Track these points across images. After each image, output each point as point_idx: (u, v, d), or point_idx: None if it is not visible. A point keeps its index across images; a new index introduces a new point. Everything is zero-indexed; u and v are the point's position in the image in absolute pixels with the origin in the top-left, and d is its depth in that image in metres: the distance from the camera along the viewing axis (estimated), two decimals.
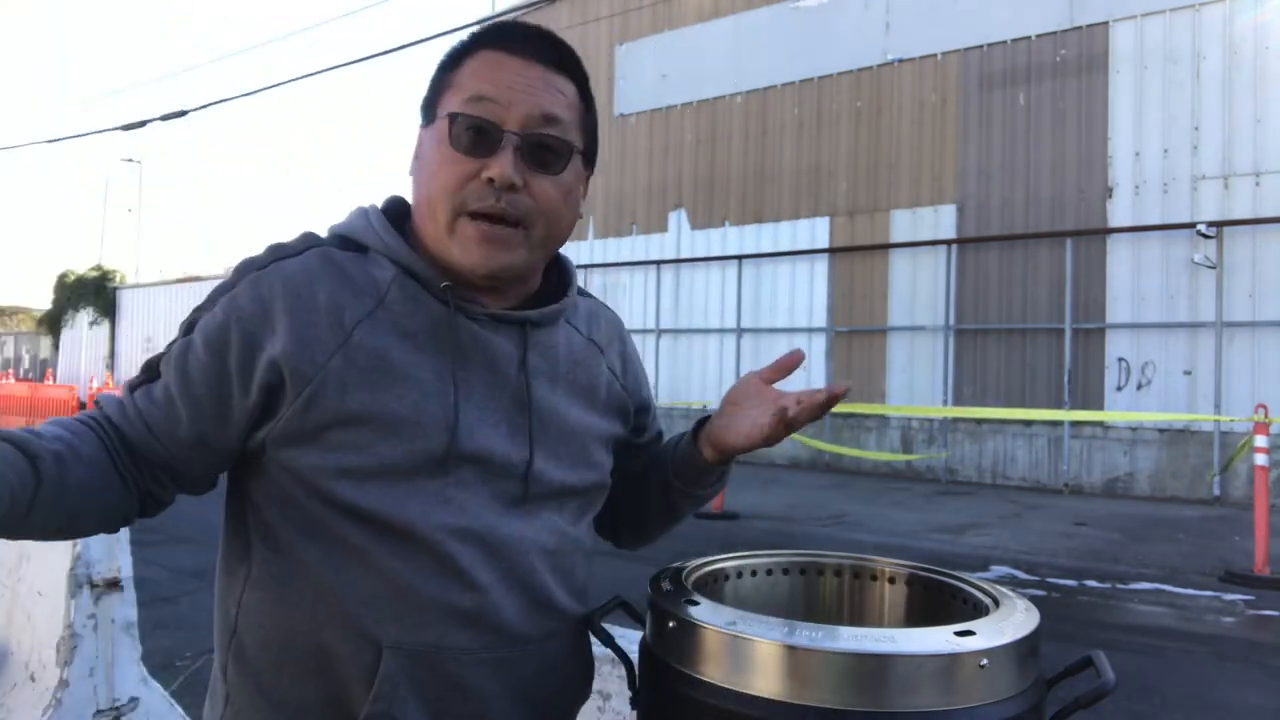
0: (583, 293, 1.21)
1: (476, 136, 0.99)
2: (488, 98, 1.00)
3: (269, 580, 1.00)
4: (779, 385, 1.13)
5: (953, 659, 0.86)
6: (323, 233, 1.09)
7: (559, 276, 1.17)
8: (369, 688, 0.96)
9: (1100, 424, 10.39)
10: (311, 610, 0.97)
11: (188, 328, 1.01)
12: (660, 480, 1.20)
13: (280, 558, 0.99)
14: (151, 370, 1.02)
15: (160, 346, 1.05)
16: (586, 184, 1.13)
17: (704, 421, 1.16)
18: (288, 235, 1.11)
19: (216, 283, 1.06)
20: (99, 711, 2.53)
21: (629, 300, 14.74)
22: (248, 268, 1.01)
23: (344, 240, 1.06)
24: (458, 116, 1.00)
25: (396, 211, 1.10)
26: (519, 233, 1.01)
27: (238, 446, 1.01)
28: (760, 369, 1.13)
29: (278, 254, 1.02)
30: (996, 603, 1.03)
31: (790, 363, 1.12)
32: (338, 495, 0.96)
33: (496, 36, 1.04)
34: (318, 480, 0.96)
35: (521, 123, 1.00)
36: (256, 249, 1.07)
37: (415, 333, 1.01)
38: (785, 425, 1.03)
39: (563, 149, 1.02)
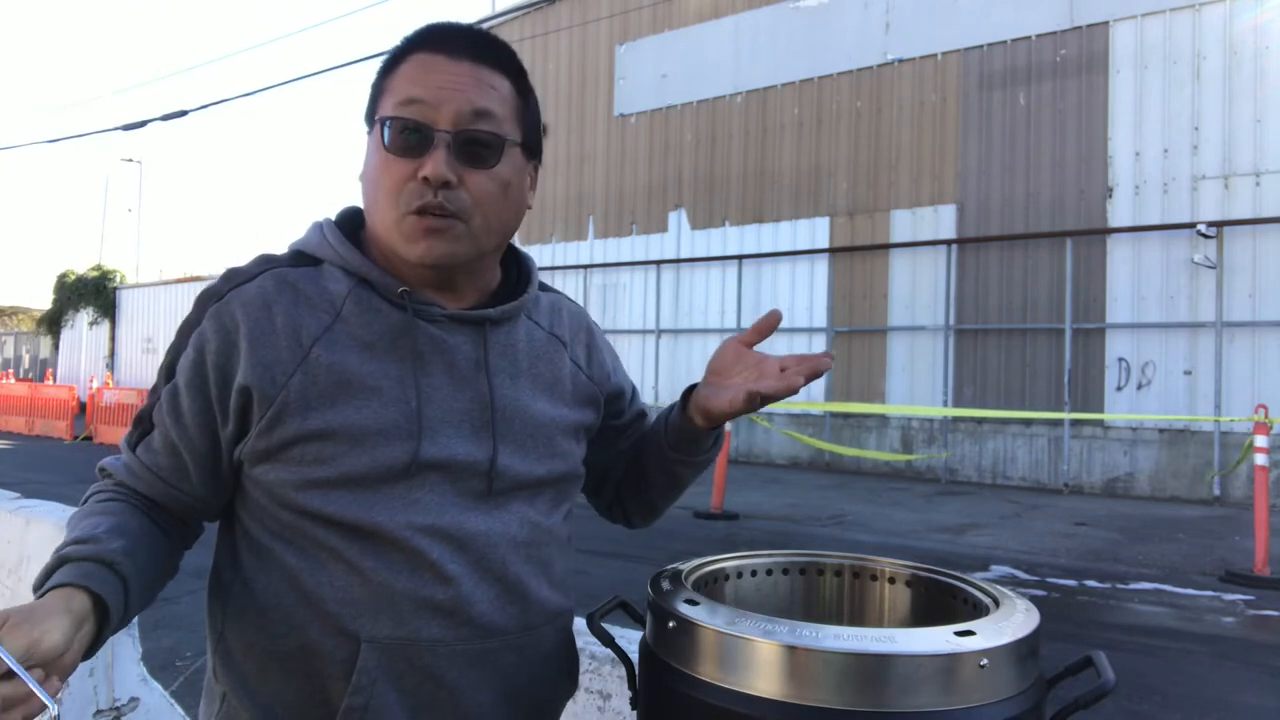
0: (546, 288, 1.24)
1: (410, 138, 1.02)
2: (418, 99, 1.02)
3: (252, 586, 1.03)
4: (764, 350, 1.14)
5: (953, 659, 0.86)
6: (283, 249, 1.12)
7: (519, 273, 1.19)
8: (348, 682, 0.98)
9: (1100, 424, 10.39)
10: (290, 612, 1.00)
11: (168, 372, 1.05)
12: (656, 453, 1.23)
13: (261, 564, 1.02)
14: (144, 422, 1.06)
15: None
16: (535, 175, 1.15)
17: (691, 390, 1.18)
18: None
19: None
20: (99, 711, 2.53)
21: (629, 300, 14.74)
22: (208, 300, 1.04)
23: (300, 256, 1.09)
24: (390, 120, 1.03)
25: (352, 221, 1.13)
26: (459, 224, 1.03)
27: (233, 469, 1.05)
28: (740, 333, 1.15)
29: (234, 281, 1.05)
30: (997, 603, 1.03)
31: (768, 324, 1.12)
32: (305, 505, 0.99)
33: (428, 39, 1.06)
34: (285, 493, 1.00)
35: (452, 120, 1.02)
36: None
37: (373, 342, 1.03)
38: (759, 402, 1.05)
39: (495, 142, 1.04)
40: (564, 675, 1.16)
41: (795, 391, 1.05)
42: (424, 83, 1.02)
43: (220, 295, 1.04)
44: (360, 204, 1.14)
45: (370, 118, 1.08)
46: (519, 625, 1.06)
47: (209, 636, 1.08)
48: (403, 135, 1.02)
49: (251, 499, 1.03)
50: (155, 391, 1.06)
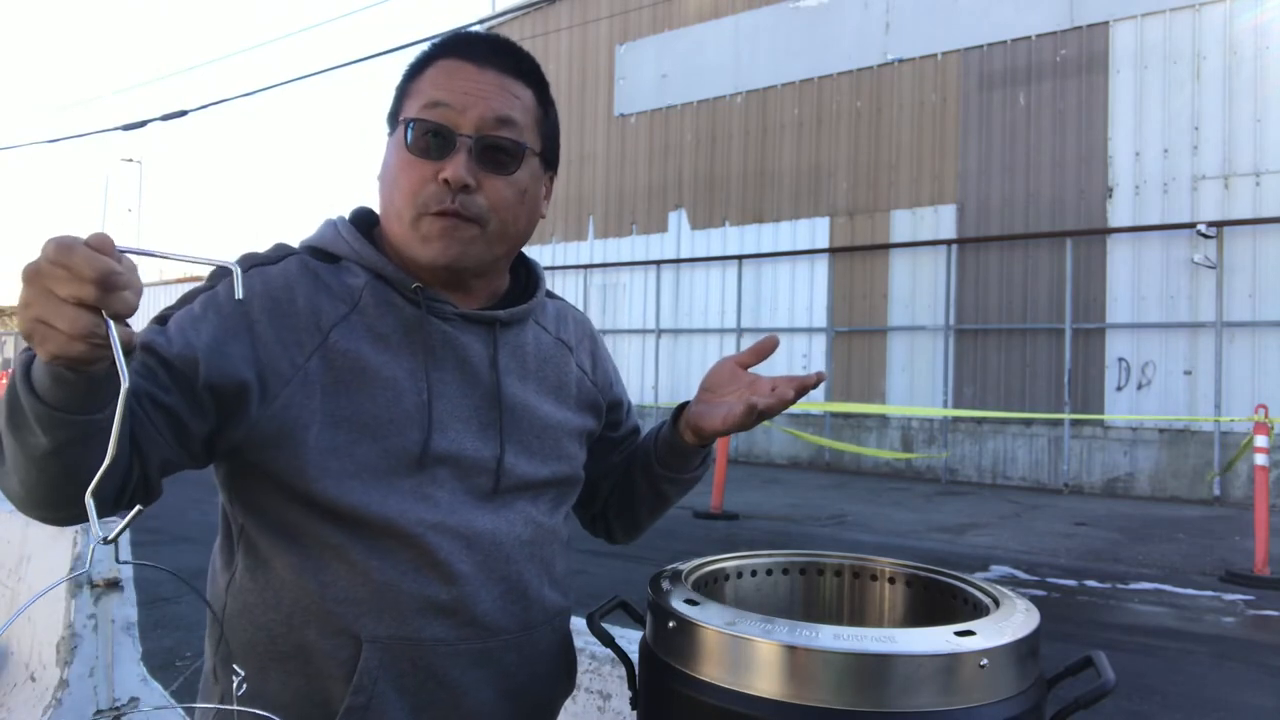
0: (551, 295, 1.25)
1: (432, 140, 1.03)
2: (443, 103, 1.03)
3: (250, 586, 1.02)
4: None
5: (953, 659, 0.86)
6: (293, 244, 1.12)
7: (528, 278, 1.21)
8: (349, 682, 0.98)
9: (1100, 424, 10.39)
10: (290, 612, 1.00)
11: (160, 319, 0.97)
12: (645, 469, 1.24)
13: (260, 564, 1.02)
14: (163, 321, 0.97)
15: None
16: (550, 185, 1.16)
17: (683, 407, 1.19)
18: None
19: None
20: (99, 711, 2.53)
21: (629, 300, 14.74)
22: (224, 273, 1.01)
23: (316, 251, 1.09)
24: (414, 122, 1.04)
25: (365, 220, 1.14)
26: (474, 228, 1.05)
27: (216, 408, 0.95)
28: (737, 354, 1.17)
29: (255, 261, 1.04)
30: (996, 603, 1.03)
31: (765, 349, 1.15)
32: (317, 495, 0.97)
33: (455, 46, 1.08)
34: (296, 481, 0.98)
35: (475, 125, 1.03)
36: (256, 247, 1.09)
37: (388, 334, 1.04)
38: (756, 417, 1.07)
39: (515, 150, 1.06)
40: (563, 674, 1.17)
41: (789, 404, 1.07)
42: (449, 87, 1.04)
43: (242, 270, 1.00)
44: (371, 203, 1.15)
45: (393, 119, 1.09)
46: (520, 624, 1.07)
47: (208, 637, 1.08)
48: (425, 137, 1.03)
49: (255, 494, 1.01)
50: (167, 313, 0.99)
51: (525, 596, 1.08)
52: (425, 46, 1.11)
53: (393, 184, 1.06)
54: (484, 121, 1.04)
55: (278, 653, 1.01)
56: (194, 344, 0.94)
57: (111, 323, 0.71)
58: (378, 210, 1.13)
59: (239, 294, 0.80)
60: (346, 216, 1.14)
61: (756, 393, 1.09)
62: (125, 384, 0.71)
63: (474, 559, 1.03)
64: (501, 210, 1.06)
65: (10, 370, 0.81)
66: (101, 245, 0.70)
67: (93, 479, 0.81)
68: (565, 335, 1.22)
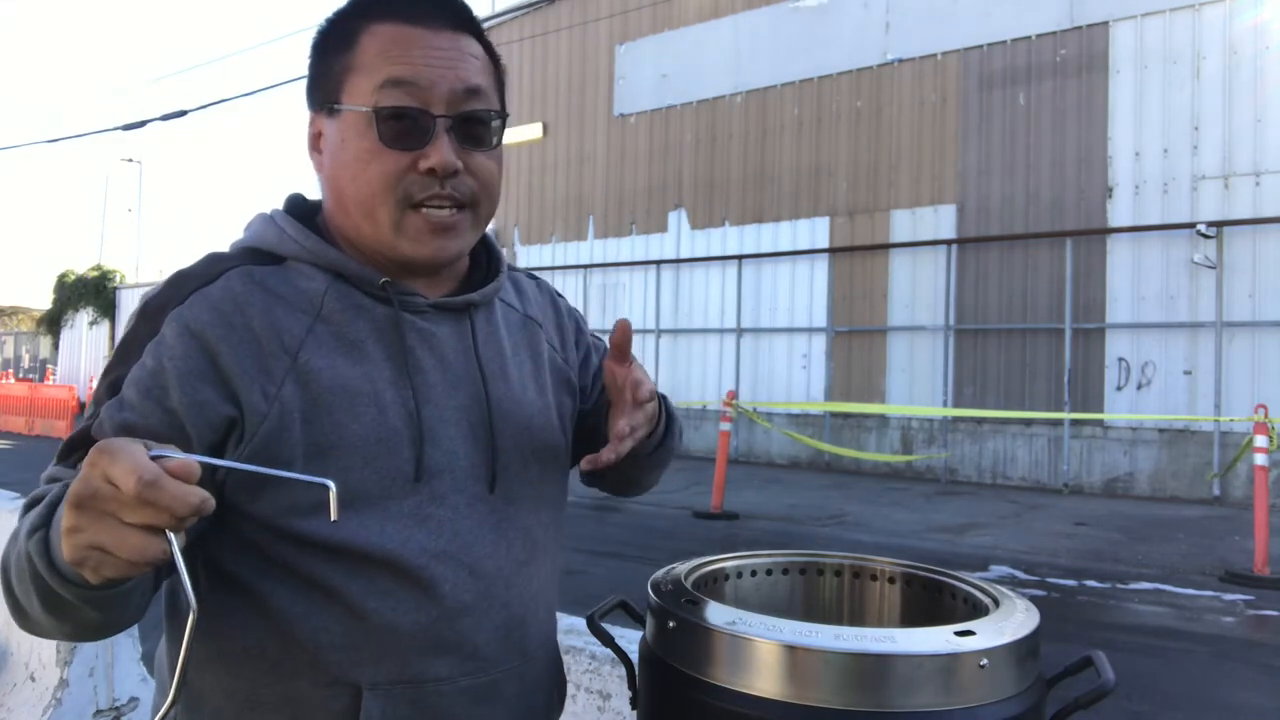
0: (510, 268, 1.17)
1: (406, 126, 0.92)
2: (405, 80, 0.92)
3: (225, 628, 0.92)
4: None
5: (953, 659, 0.86)
6: (226, 249, 1.01)
7: (487, 254, 1.11)
8: None
9: (1100, 424, 10.39)
10: (276, 660, 0.91)
11: (113, 387, 0.88)
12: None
13: (239, 603, 0.92)
14: (78, 447, 0.85)
15: None
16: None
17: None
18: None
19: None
20: (99, 711, 2.53)
21: (629, 300, 14.73)
22: (163, 307, 0.90)
23: (255, 254, 0.97)
24: (380, 110, 0.92)
25: (301, 209, 1.03)
26: (466, 215, 0.98)
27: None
28: (607, 352, 1.03)
29: (192, 285, 0.92)
30: (996, 603, 1.03)
31: (620, 339, 0.99)
32: (310, 533, 0.89)
33: (392, 5, 0.94)
34: (286, 521, 0.89)
35: (448, 103, 0.94)
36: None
37: (360, 341, 0.94)
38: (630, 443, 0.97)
39: (491, 120, 0.98)
40: (555, 700, 1.13)
41: (651, 399, 0.99)
42: (406, 61, 0.92)
43: (180, 299, 0.90)
44: (302, 193, 1.05)
45: (324, 96, 0.97)
46: (519, 653, 1.02)
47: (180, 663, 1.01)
48: (398, 124, 0.92)
49: (238, 534, 0.90)
50: (94, 415, 0.88)
51: (524, 624, 1.02)
52: (341, 5, 0.97)
53: (358, 178, 0.93)
54: (455, 96, 0.93)
55: (259, 702, 0.92)
56: (172, 409, 0.85)
57: (175, 540, 0.64)
58: (312, 197, 1.03)
59: (334, 516, 0.72)
60: (282, 208, 1.03)
61: (622, 400, 0.99)
62: (194, 609, 0.65)
63: (477, 588, 0.96)
64: (490, 188, 0.99)
65: (21, 559, 0.76)
66: (189, 474, 0.64)
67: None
68: (532, 311, 1.14)
